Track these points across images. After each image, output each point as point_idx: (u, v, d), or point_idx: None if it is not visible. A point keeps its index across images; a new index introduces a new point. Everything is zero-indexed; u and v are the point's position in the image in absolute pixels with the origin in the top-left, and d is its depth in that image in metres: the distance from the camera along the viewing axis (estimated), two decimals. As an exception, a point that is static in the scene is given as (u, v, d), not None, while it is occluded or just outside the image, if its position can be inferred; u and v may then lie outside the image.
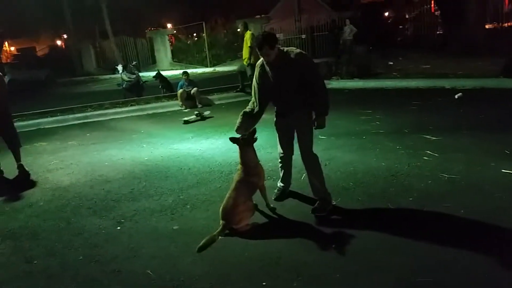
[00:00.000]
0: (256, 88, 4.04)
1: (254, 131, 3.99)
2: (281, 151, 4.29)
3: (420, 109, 8.13)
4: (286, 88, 3.89)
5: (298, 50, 3.93)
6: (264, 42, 3.72)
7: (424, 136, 6.12)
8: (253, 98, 4.13)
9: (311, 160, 4.07)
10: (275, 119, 4.20)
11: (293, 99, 3.94)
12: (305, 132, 4.03)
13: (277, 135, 4.25)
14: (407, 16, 22.84)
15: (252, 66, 10.65)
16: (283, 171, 4.40)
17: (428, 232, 3.46)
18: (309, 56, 4.21)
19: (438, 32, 20.62)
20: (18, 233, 4.20)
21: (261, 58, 3.95)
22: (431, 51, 16.49)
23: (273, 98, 4.06)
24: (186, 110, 10.63)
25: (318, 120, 3.94)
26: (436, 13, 21.28)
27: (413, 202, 4.01)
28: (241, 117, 4.08)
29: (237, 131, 4.05)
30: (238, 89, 12.25)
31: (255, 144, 4.03)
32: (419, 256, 3.11)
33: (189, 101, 10.97)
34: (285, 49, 3.93)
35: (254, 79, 4.09)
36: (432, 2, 21.05)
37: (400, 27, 22.49)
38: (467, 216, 3.66)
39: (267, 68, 3.91)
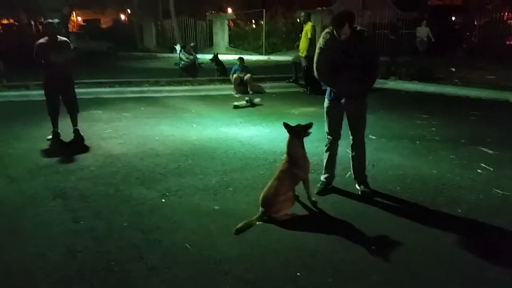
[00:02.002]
0: (320, 52, 4.03)
1: (310, 125, 3.97)
2: (330, 136, 4.31)
3: (480, 120, 7.76)
4: (355, 65, 3.89)
5: (367, 31, 4.05)
6: (345, 21, 3.75)
7: (481, 148, 5.84)
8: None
9: (362, 146, 4.32)
10: (329, 103, 4.20)
11: (359, 81, 3.96)
12: (362, 120, 4.19)
13: (329, 119, 4.27)
14: (475, 23, 21.72)
15: (308, 58, 10.54)
16: (328, 157, 4.39)
17: (476, 247, 3.32)
18: None
19: (508, 42, 19.49)
20: (69, 193, 4.42)
21: (328, 28, 3.99)
22: (498, 61, 15.62)
23: (338, 75, 4.00)
24: (237, 95, 10.70)
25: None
26: (508, 21, 20.10)
27: (462, 214, 3.85)
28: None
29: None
30: (291, 80, 12.18)
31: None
32: (463, 271, 2.99)
33: (241, 86, 11.03)
34: (357, 27, 3.95)
35: (319, 46, 4.06)
36: (506, 9, 19.88)
37: (467, 34, 21.44)
38: (520, 237, 3.48)
39: (337, 40, 3.89)
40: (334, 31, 3.87)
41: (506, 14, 19.88)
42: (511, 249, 3.32)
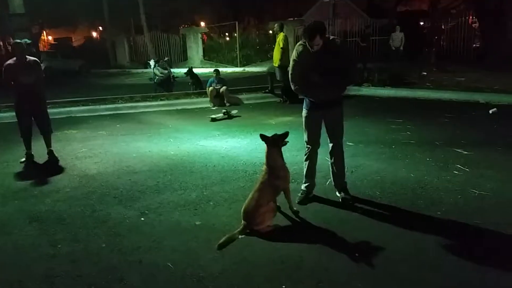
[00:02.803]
0: (294, 64, 4.07)
1: (286, 134, 3.96)
2: (309, 145, 4.31)
3: (453, 122, 7.94)
4: (330, 74, 3.91)
5: (340, 39, 4.11)
6: (316, 31, 3.78)
7: (456, 150, 5.96)
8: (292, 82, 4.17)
9: (341, 153, 4.34)
10: (307, 112, 4.22)
11: (336, 89, 4.00)
12: (341, 127, 4.24)
13: (308, 128, 4.27)
14: (443, 27, 22.33)
15: (282, 67, 10.63)
16: (307, 166, 4.37)
17: (457, 248, 3.36)
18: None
19: (474, 45, 20.10)
20: (45, 216, 4.29)
21: (301, 41, 4.04)
22: (467, 63, 16.09)
23: (314, 85, 4.02)
24: (214, 108, 10.69)
25: None
26: (473, 25, 20.75)
27: (441, 216, 3.90)
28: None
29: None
30: (267, 90, 12.25)
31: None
32: (447, 273, 3.01)
33: (218, 99, 11.03)
34: (330, 36, 4.01)
35: (293, 58, 4.10)
36: (470, 14, 20.52)
37: (436, 37, 22.03)
38: (498, 234, 3.54)
39: (310, 52, 3.93)
40: (307, 43, 3.91)
41: (471, 18, 20.51)
42: (492, 249, 3.36)
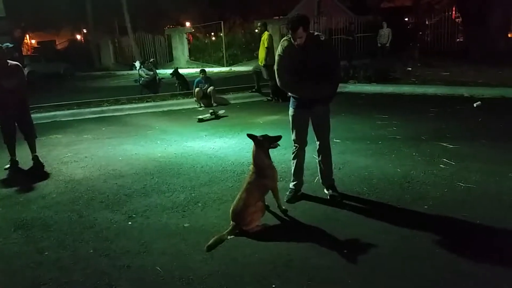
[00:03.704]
0: (280, 59, 4.04)
1: (279, 138, 3.94)
2: (297, 144, 4.30)
3: (438, 116, 8.01)
4: (315, 70, 3.91)
5: (325, 36, 4.10)
6: (299, 23, 3.76)
7: (441, 143, 6.01)
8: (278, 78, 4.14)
9: (328, 151, 4.34)
10: (294, 111, 4.20)
11: (320, 86, 3.98)
12: (327, 125, 4.23)
13: (295, 127, 4.26)
14: (427, 22, 22.55)
15: (268, 66, 10.62)
16: (295, 165, 4.37)
17: (445, 241, 3.38)
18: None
19: (458, 40, 20.34)
20: (31, 223, 4.22)
21: (286, 36, 4.01)
22: (451, 58, 16.27)
23: (300, 81, 4.01)
24: (201, 108, 10.66)
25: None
26: (456, 20, 20.99)
27: (428, 210, 3.93)
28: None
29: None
30: (254, 90, 12.24)
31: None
32: (436, 266, 3.03)
33: (205, 99, 10.99)
34: (314, 32, 4.00)
35: (278, 53, 4.07)
36: (454, 9, 20.76)
37: (420, 33, 22.22)
38: (484, 226, 3.58)
39: (295, 47, 3.92)
40: (290, 36, 3.90)
41: (454, 13, 20.74)
42: (479, 241, 3.39)
